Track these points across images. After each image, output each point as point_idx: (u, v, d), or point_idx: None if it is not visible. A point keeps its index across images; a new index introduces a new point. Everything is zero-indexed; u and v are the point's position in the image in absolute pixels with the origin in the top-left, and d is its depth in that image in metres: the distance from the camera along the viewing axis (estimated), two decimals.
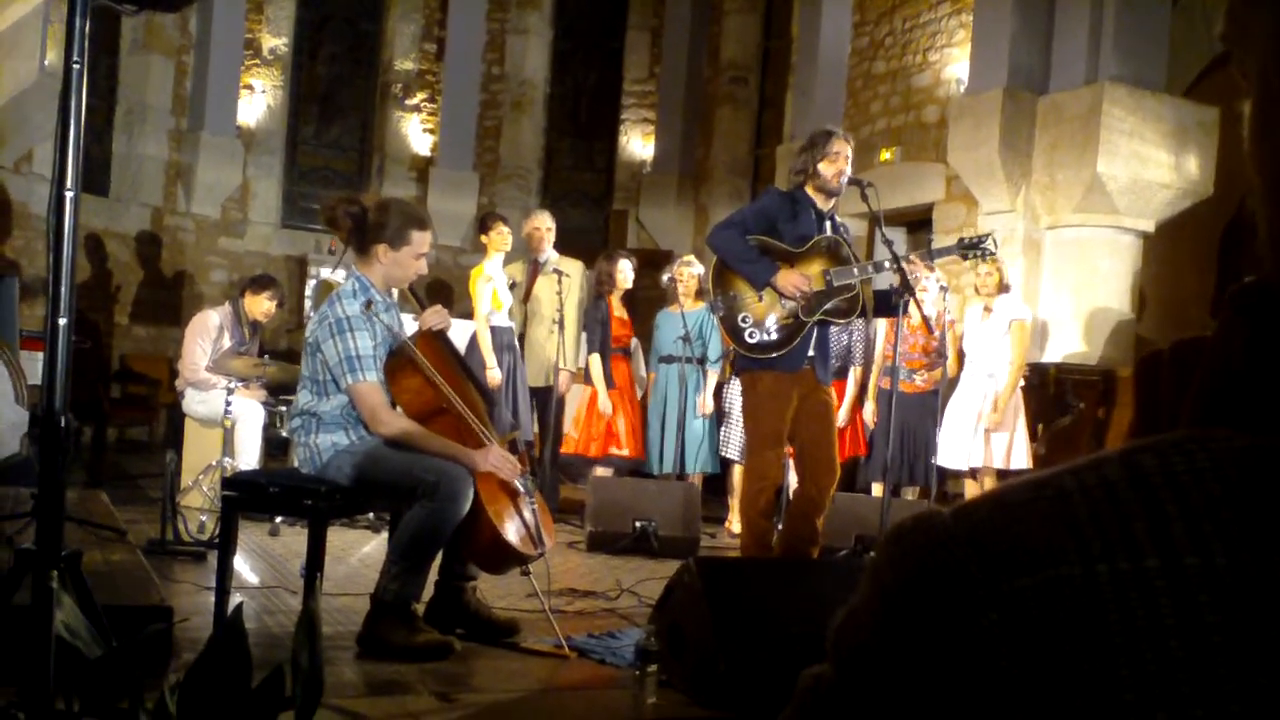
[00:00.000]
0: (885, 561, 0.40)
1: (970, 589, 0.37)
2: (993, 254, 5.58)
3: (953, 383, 7.11)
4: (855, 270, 5.09)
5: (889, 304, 5.27)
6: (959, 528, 0.39)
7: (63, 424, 2.04)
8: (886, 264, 5.12)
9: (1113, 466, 0.39)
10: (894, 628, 0.38)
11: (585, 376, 7.78)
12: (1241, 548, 0.35)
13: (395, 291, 4.42)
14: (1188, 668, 0.34)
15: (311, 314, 7.51)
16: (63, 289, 1.94)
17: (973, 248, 5.32)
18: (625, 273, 7.65)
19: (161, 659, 3.27)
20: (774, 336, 5.06)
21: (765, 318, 5.07)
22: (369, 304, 4.16)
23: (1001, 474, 6.92)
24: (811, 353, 5.13)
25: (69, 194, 1.90)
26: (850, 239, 5.34)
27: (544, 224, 7.89)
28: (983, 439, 6.88)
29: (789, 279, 5.01)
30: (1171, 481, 0.37)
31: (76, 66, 1.92)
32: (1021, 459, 6.86)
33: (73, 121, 1.89)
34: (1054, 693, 0.35)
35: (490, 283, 7.57)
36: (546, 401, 7.70)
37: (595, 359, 7.54)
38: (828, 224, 5.21)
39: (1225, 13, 0.49)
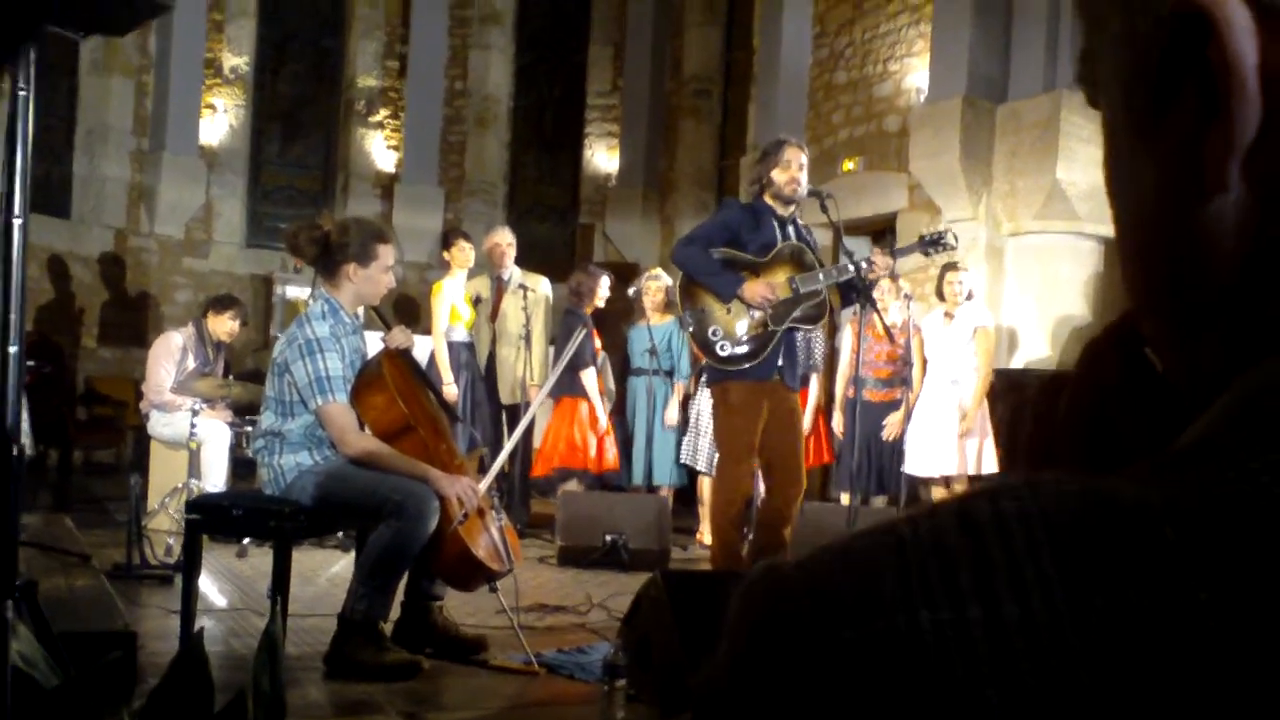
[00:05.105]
0: (735, 612, 0.41)
1: (804, 639, 0.37)
2: (953, 247, 5.68)
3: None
4: (821, 275, 5.13)
5: (850, 293, 5.31)
6: (800, 579, 0.39)
7: (15, 450, 2.03)
8: (850, 266, 5.15)
9: (947, 515, 0.39)
10: (741, 679, 0.39)
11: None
12: (1060, 594, 0.35)
13: (362, 312, 4.43)
14: (1002, 716, 0.34)
15: (278, 334, 7.47)
16: (13, 316, 1.93)
17: (934, 243, 5.44)
18: (604, 289, 7.64)
19: (125, 685, 3.24)
20: (746, 348, 5.08)
21: (735, 329, 5.09)
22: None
23: (973, 480, 6.96)
24: (780, 361, 5.16)
25: (17, 221, 1.89)
26: (815, 243, 5.38)
27: (504, 240, 7.82)
28: (956, 446, 6.91)
29: (755, 289, 5.03)
30: (1000, 529, 0.37)
31: (23, 93, 1.91)
32: (991, 464, 6.90)
33: (19, 148, 1.88)
34: None
35: (448, 298, 7.55)
36: (518, 419, 7.65)
37: (590, 373, 7.47)
38: (790, 230, 5.24)
39: (1079, 55, 0.50)
